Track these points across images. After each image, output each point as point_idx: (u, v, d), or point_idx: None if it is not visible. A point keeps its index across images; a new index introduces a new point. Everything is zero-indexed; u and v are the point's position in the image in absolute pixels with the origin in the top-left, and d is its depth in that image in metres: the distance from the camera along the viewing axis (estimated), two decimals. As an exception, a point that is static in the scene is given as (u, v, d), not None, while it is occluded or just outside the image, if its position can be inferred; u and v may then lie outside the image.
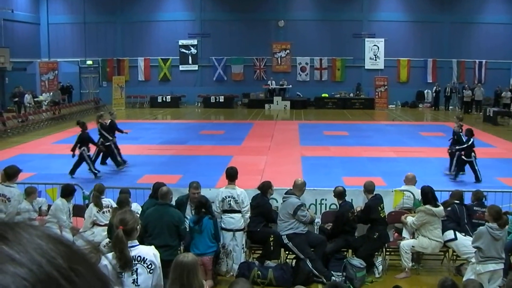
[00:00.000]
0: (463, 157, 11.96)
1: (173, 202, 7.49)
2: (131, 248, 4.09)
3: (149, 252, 4.18)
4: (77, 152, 12.35)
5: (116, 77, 33.03)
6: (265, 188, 7.71)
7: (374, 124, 24.63)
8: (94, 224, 7.42)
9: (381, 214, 7.51)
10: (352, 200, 7.97)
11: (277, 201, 8.03)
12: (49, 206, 7.81)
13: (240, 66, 33.84)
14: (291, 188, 7.66)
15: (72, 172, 12.53)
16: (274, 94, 32.52)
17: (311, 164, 14.49)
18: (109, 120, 13.75)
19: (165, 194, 6.43)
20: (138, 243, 4.20)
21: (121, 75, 33.67)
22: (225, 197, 7.23)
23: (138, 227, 4.15)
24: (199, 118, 28.55)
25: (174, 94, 33.49)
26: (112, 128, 13.51)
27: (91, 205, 7.53)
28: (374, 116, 28.63)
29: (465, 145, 11.82)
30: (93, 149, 13.14)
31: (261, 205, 7.55)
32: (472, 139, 11.92)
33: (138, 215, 7.11)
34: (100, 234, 7.14)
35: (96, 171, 12.71)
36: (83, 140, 12.32)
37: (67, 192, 7.58)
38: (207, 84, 34.24)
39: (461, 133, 12.48)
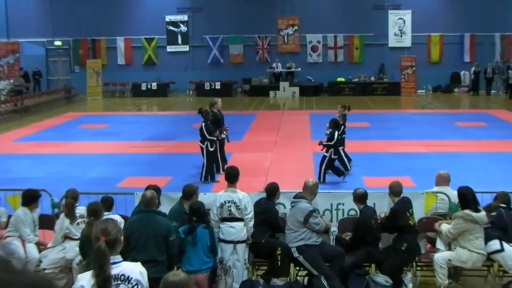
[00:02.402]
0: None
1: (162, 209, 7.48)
2: (114, 265, 4.04)
3: (135, 270, 4.14)
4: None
5: (90, 60, 33.00)
6: (271, 191, 7.67)
7: (400, 113, 24.65)
8: (66, 237, 7.37)
9: (409, 221, 7.47)
10: (374, 204, 7.92)
11: (284, 207, 8.02)
12: (10, 216, 7.74)
13: (240, 46, 33.78)
14: (301, 191, 7.63)
15: None
16: (280, 79, 32.53)
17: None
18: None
19: (150, 200, 6.40)
20: (122, 259, 4.17)
21: (97, 58, 33.64)
22: (224, 202, 7.21)
23: (121, 238, 4.13)
24: (192, 108, 28.55)
25: (161, 81, 33.54)
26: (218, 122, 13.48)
27: (62, 214, 7.45)
28: (400, 104, 28.62)
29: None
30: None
31: (267, 211, 7.52)
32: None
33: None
34: (73, 250, 7.08)
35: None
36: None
37: (29, 198, 7.45)
38: (200, 68, 34.23)
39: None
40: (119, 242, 4.06)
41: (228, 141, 13.89)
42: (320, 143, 12.54)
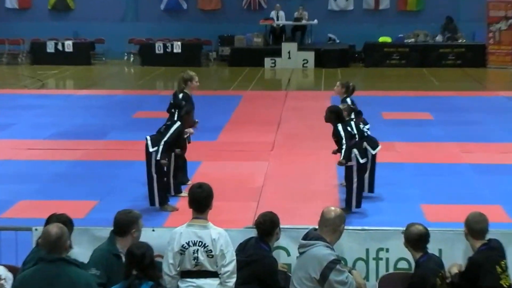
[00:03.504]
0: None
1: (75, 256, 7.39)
2: None
3: None
4: None
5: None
6: (266, 227, 7.66)
7: (485, 97, 24.79)
8: None
9: (502, 281, 7.45)
10: (441, 251, 7.95)
11: (288, 253, 8.06)
12: None
13: (215, -20, 33.79)
14: (316, 227, 7.62)
15: None
16: (283, 37, 32.52)
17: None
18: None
19: (56, 241, 6.35)
20: None
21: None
22: (187, 244, 7.19)
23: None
24: (133, 86, 28.53)
25: (80, 38, 33.45)
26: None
27: None
28: (486, 81, 28.74)
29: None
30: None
31: (258, 261, 7.52)
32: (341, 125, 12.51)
33: (5, 286, 7.04)
34: None
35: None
36: None
37: None
38: (149, 18, 34.20)
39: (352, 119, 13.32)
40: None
41: (189, 142, 13.88)
42: (345, 159, 12.41)
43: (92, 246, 7.52)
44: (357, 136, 12.59)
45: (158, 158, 12.24)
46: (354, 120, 13.24)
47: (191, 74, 14.18)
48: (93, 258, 7.27)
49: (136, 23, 34.12)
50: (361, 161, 12.33)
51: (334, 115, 12.63)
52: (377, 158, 13.31)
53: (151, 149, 12.44)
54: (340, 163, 12.34)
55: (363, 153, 12.47)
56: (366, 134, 13.13)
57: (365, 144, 12.77)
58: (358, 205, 12.34)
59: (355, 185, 12.35)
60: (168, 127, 12.66)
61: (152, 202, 12.55)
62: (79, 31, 33.77)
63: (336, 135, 12.46)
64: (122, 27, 33.83)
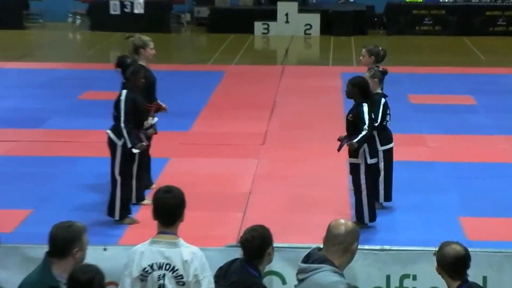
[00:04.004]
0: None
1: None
2: None
3: None
4: None
5: None
6: (255, 245, 7.67)
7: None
8: None
9: None
10: (485, 279, 8.00)
11: (283, 281, 8.16)
12: None
13: None
14: (321, 245, 7.63)
15: None
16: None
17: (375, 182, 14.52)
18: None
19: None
20: None
21: None
22: (150, 268, 7.21)
23: None
24: (80, 58, 28.52)
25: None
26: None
27: None
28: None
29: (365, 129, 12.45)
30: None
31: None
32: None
33: None
34: None
35: None
36: None
37: None
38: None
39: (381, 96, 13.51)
40: None
41: (156, 133, 13.89)
42: (359, 143, 12.46)
43: (24, 270, 7.46)
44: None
45: (130, 146, 12.33)
46: (385, 96, 13.30)
47: (144, 39, 14.31)
48: None
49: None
50: (369, 161, 12.38)
51: (357, 89, 12.55)
52: (402, 155, 13.35)
53: (119, 142, 12.50)
54: (351, 145, 12.33)
55: (375, 150, 12.54)
56: (385, 123, 13.21)
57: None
58: (372, 218, 12.40)
59: (364, 192, 12.40)
60: (116, 106, 12.68)
61: (111, 213, 12.59)
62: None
63: (355, 116, 12.46)
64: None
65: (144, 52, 13.79)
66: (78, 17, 33.58)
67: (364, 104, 12.33)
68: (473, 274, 7.66)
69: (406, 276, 8.15)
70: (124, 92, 12.68)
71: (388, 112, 13.28)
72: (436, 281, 7.86)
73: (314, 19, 31.42)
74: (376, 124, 12.64)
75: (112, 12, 32.24)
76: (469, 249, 7.68)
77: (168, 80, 23.25)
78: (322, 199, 13.58)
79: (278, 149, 16.85)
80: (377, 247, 8.26)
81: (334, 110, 19.86)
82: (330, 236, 7.56)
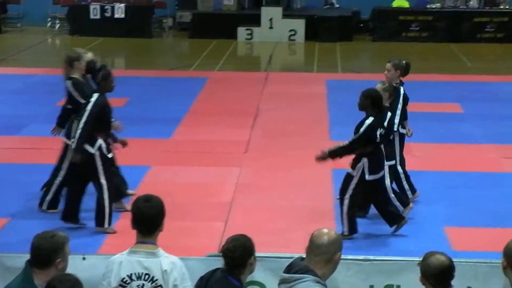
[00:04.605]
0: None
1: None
2: None
3: None
4: None
5: None
6: (237, 255, 7.70)
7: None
8: None
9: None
10: (470, 291, 8.04)
11: (265, 291, 8.09)
12: None
13: None
14: (303, 255, 7.68)
15: None
16: (264, 1, 32.49)
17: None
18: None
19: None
20: None
21: None
22: (129, 278, 7.24)
23: None
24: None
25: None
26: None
27: None
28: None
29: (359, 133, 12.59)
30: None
31: (225, 302, 7.58)
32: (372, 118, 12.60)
33: None
34: None
35: None
36: None
37: None
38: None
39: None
40: None
41: (125, 145, 13.92)
42: (331, 153, 12.57)
43: (2, 279, 7.53)
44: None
45: (74, 147, 12.58)
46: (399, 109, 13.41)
47: (78, 52, 14.35)
48: None
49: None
50: (367, 177, 12.42)
51: (369, 101, 12.58)
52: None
53: (92, 150, 12.56)
54: (322, 153, 12.58)
55: (377, 166, 12.59)
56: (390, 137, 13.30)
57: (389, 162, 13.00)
58: (351, 230, 12.44)
59: (346, 201, 12.46)
60: (84, 106, 12.81)
61: (101, 222, 12.65)
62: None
63: (357, 126, 12.54)
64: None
65: (78, 64, 13.79)
66: (57, 21, 33.52)
67: (370, 117, 12.41)
68: (458, 285, 7.69)
69: (389, 286, 8.20)
70: (95, 95, 12.75)
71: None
72: (421, 292, 7.95)
73: (299, 25, 31.45)
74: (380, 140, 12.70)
75: (92, 16, 32.21)
76: (454, 260, 7.71)
77: (149, 86, 23.43)
78: (305, 208, 13.61)
79: (261, 157, 16.88)
80: (361, 257, 8.31)
81: (318, 117, 19.92)
82: (313, 246, 7.60)
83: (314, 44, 30.65)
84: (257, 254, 7.80)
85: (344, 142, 12.31)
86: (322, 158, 12.56)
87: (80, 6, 32.72)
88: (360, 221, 12.65)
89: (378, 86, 13.27)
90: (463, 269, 7.84)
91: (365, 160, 12.27)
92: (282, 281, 7.58)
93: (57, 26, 33.44)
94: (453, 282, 7.62)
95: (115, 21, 31.82)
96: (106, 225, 12.58)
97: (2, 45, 30.88)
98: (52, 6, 33.44)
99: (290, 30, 31.36)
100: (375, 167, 12.47)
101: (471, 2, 32.58)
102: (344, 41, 31.17)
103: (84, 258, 7.82)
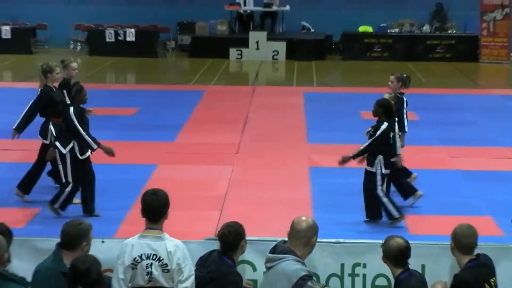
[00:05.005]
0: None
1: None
2: None
3: None
4: None
5: None
6: (230, 239, 7.69)
7: (477, 95, 24.92)
8: None
9: (491, 301, 7.57)
10: (424, 267, 8.07)
11: (254, 268, 8.16)
12: None
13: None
14: (285, 239, 7.69)
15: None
16: (251, 25, 32.55)
17: (332, 185, 14.65)
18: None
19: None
20: None
21: None
22: (140, 258, 7.22)
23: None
24: (79, 78, 27.91)
25: (20, 23, 33.21)
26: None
27: None
28: (478, 78, 28.94)
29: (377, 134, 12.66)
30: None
31: (221, 278, 7.55)
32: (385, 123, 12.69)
33: None
34: None
35: None
36: None
37: None
38: (98, 0, 34.04)
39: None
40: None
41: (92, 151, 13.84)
42: (355, 156, 12.57)
43: (34, 259, 7.55)
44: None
45: (96, 146, 12.67)
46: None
47: (51, 65, 14.39)
48: (38, 279, 7.21)
49: (83, 6, 33.98)
50: (384, 171, 12.51)
51: (382, 109, 12.67)
52: (353, 163, 13.30)
53: (64, 151, 12.67)
54: (342, 161, 12.64)
55: (388, 162, 12.64)
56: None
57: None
58: (399, 212, 12.49)
59: (381, 194, 12.48)
60: (66, 120, 12.88)
61: (54, 201, 12.79)
62: (18, 15, 33.56)
63: (374, 130, 12.60)
64: (67, 10, 33.69)
65: (51, 76, 13.92)
66: (79, 43, 33.46)
67: (385, 123, 12.48)
68: (414, 263, 7.72)
69: (357, 264, 8.18)
70: (71, 108, 12.81)
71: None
72: (383, 269, 7.92)
73: (281, 47, 31.41)
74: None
75: (107, 39, 32.14)
76: (410, 242, 7.76)
77: (155, 98, 23.37)
78: (287, 199, 13.60)
79: (250, 157, 16.86)
80: (333, 240, 8.28)
81: (297, 124, 19.93)
82: (293, 231, 7.65)
83: (294, 62, 30.59)
84: (247, 238, 7.84)
85: (363, 145, 12.40)
86: (344, 161, 12.62)
87: (97, 31, 32.65)
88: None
89: (386, 96, 13.31)
90: (418, 250, 7.84)
91: (380, 157, 12.34)
92: (268, 260, 7.61)
93: (78, 48, 33.34)
94: (409, 261, 7.66)
95: (126, 44, 31.75)
96: (56, 205, 12.70)
97: (32, 64, 30.68)
98: (74, 31, 33.34)
99: (274, 51, 31.30)
100: (388, 163, 12.55)
101: (424, 28, 32.57)
102: (319, 60, 31.12)
103: (103, 242, 7.82)
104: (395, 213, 12.37)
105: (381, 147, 12.44)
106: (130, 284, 7.28)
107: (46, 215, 12.61)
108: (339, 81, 27.79)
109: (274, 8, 32.63)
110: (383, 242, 7.74)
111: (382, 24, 32.69)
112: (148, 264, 7.23)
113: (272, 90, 25.60)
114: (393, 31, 32.56)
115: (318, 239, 7.77)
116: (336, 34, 32.66)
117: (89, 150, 12.78)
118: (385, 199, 12.44)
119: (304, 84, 26.43)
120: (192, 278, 7.29)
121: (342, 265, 8.21)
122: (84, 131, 12.60)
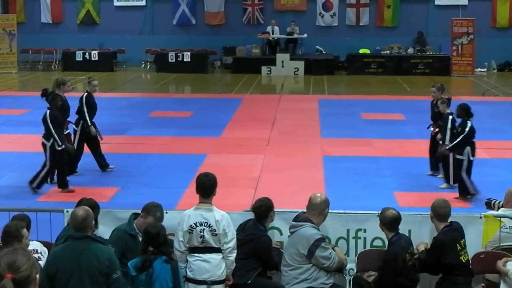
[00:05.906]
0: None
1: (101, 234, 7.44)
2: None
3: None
4: None
5: (0, 16, 32.79)
6: (262, 210, 7.71)
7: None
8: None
9: (461, 257, 7.52)
10: (410, 232, 8.01)
11: (281, 233, 8.10)
12: None
13: (219, 0, 33.74)
14: (304, 210, 7.67)
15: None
16: (278, 49, 32.47)
17: (340, 169, 14.65)
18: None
19: (82, 221, 6.34)
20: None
21: (10, 12, 33.43)
22: (195, 225, 7.22)
23: (37, 277, 4.05)
24: (149, 89, 28.55)
25: (105, 48, 33.38)
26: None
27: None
28: (450, 87, 28.61)
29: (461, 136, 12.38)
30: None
31: (255, 240, 7.58)
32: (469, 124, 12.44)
33: (41, 259, 7.05)
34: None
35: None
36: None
37: None
38: (163, 31, 34.15)
39: (448, 114, 13.12)
40: (32, 282, 3.96)
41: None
42: (451, 149, 12.45)
43: (115, 226, 7.74)
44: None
45: (59, 144, 12.67)
46: (452, 113, 13.01)
47: (64, 79, 14.35)
48: (111, 237, 7.47)
49: (152, 36, 34.11)
50: (471, 158, 12.41)
51: (464, 112, 12.53)
52: (357, 152, 13.29)
53: (48, 144, 12.80)
54: (444, 151, 12.57)
55: (474, 151, 12.49)
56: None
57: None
58: (475, 190, 12.35)
59: (464, 174, 12.34)
60: (44, 120, 12.84)
61: (32, 181, 12.84)
62: (104, 42, 33.73)
63: (461, 128, 12.40)
64: (140, 39, 33.83)
65: (63, 87, 13.77)
66: (148, 63, 33.59)
67: (468, 121, 12.36)
68: (403, 229, 7.77)
69: (359, 229, 8.16)
70: (48, 111, 12.85)
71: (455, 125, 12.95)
72: (379, 233, 7.96)
73: (300, 65, 31.30)
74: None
75: (170, 60, 32.20)
76: (400, 212, 7.77)
77: (206, 104, 23.35)
78: (306, 179, 13.64)
79: (277, 148, 16.82)
80: (341, 211, 8.28)
81: (313, 123, 19.91)
82: (310, 204, 7.68)
83: (310, 77, 30.48)
84: (275, 209, 7.87)
85: (454, 141, 12.29)
86: (443, 153, 12.67)
87: (162, 53, 32.68)
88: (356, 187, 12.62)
89: (439, 102, 13.47)
90: (406, 219, 7.83)
91: (469, 148, 12.23)
92: (291, 227, 7.66)
93: (148, 66, 33.46)
94: (399, 227, 7.65)
95: (184, 63, 31.76)
96: (34, 185, 12.80)
97: (114, 79, 30.90)
98: (145, 54, 33.43)
99: (295, 68, 31.22)
100: (474, 151, 12.42)
101: (409, 50, 32.36)
102: (329, 75, 31.00)
103: (166, 212, 7.84)
104: (472, 190, 12.31)
105: (468, 140, 12.30)
106: (187, 245, 7.30)
107: (124, 193, 12.82)
108: (344, 91, 27.59)
109: (295, 36, 32.58)
110: (379, 212, 7.74)
111: (377, 47, 32.50)
112: (201, 229, 7.25)
113: (294, 97, 25.54)
114: (385, 53, 32.37)
115: (330, 210, 7.82)
116: (342, 55, 32.52)
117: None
118: (467, 181, 12.36)
119: (318, 93, 26.38)
120: (234, 240, 7.31)
121: (348, 230, 8.19)
122: (56, 131, 12.68)
